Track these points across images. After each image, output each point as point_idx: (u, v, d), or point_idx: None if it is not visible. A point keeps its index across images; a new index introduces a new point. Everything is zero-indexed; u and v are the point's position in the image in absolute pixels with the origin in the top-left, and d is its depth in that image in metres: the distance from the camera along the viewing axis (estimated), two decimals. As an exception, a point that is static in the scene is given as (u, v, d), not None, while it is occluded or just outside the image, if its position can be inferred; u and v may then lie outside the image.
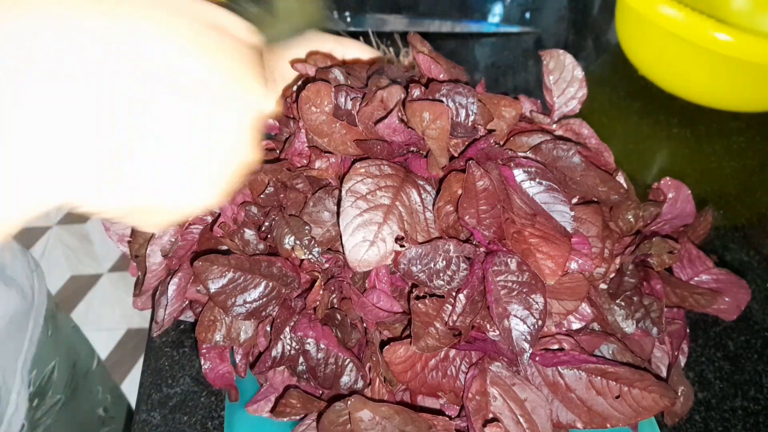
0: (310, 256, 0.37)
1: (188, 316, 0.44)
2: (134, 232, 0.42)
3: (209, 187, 0.24)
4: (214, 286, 0.35)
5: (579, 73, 0.42)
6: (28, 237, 1.65)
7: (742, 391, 0.45)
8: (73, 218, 1.70)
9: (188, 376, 0.44)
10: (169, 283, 0.40)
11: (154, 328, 0.41)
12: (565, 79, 0.41)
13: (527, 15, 0.83)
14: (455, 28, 0.78)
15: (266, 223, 0.39)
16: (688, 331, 0.42)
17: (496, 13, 0.84)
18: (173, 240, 0.40)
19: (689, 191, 0.43)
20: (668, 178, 0.43)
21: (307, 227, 0.37)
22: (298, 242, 0.37)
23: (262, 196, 0.39)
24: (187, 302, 0.42)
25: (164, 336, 0.47)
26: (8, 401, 0.47)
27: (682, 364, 0.41)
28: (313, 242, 0.37)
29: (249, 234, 0.38)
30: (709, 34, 0.56)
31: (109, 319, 1.49)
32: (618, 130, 0.67)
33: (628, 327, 0.37)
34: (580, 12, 0.85)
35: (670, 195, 0.43)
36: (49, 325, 0.55)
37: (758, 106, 0.66)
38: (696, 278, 0.42)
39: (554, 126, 0.41)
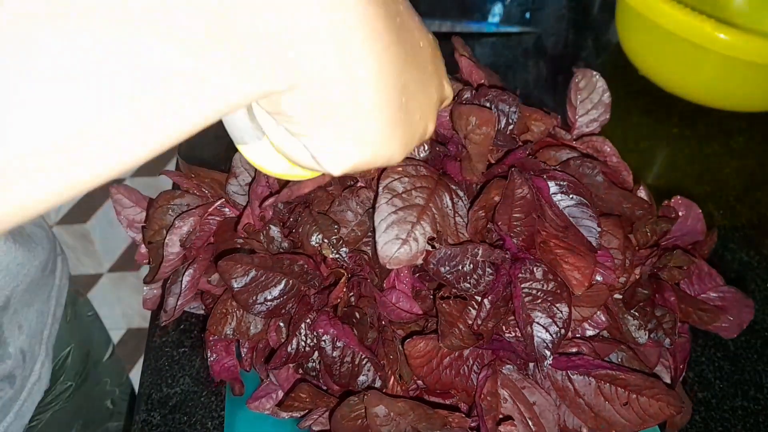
0: (337, 256, 0.37)
1: (192, 307, 0.44)
2: (149, 219, 0.42)
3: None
4: (237, 285, 0.36)
5: (607, 98, 0.42)
6: (27, 237, 1.65)
7: (742, 391, 0.45)
8: (73, 218, 1.70)
9: (188, 376, 0.44)
10: (184, 273, 0.39)
11: (163, 316, 0.40)
12: (592, 101, 0.42)
13: (527, 15, 0.83)
14: (455, 28, 0.78)
15: (291, 219, 0.39)
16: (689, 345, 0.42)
17: (496, 13, 0.84)
18: (192, 230, 0.40)
19: (700, 210, 0.44)
20: (679, 197, 0.44)
21: (335, 226, 0.37)
22: (326, 240, 0.37)
23: None
24: (197, 292, 0.42)
25: (164, 336, 0.47)
26: (32, 370, 0.47)
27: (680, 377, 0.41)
28: (341, 241, 0.37)
29: (274, 231, 0.38)
30: (709, 33, 0.56)
31: (109, 319, 1.49)
32: (618, 130, 0.67)
33: (641, 337, 0.38)
34: (580, 12, 0.85)
35: (681, 213, 0.44)
36: (69, 310, 0.55)
37: (758, 106, 0.66)
38: (703, 294, 0.42)
39: (574, 142, 0.42)
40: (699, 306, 0.40)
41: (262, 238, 0.38)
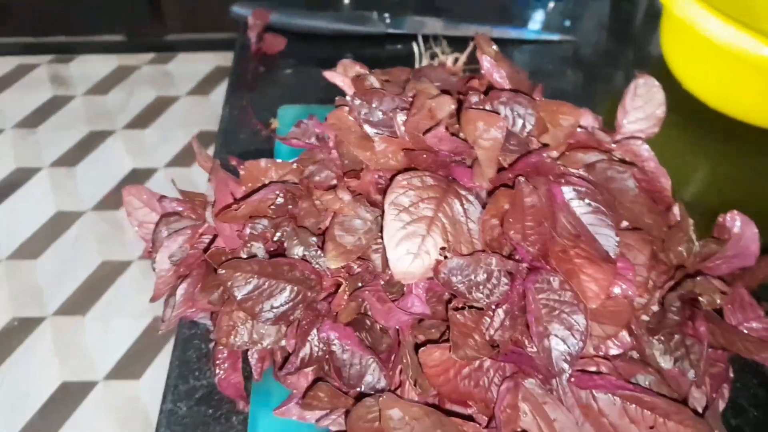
0: (316, 266, 0.38)
1: (200, 317, 0.45)
2: (154, 243, 0.43)
3: None
4: (240, 294, 0.36)
5: (661, 112, 0.41)
6: (62, 221, 1.69)
7: (779, 421, 0.44)
8: (107, 204, 1.74)
9: (216, 370, 0.45)
10: (177, 288, 0.41)
11: (161, 326, 0.42)
12: (645, 111, 0.41)
13: (567, 23, 0.82)
14: (493, 33, 0.77)
15: (277, 234, 0.39)
16: (731, 375, 0.40)
17: (537, 20, 0.83)
18: (183, 248, 0.41)
19: (756, 230, 0.40)
20: (735, 212, 0.41)
21: (312, 239, 0.38)
22: (306, 252, 0.37)
23: (272, 207, 0.39)
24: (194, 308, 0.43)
25: (193, 328, 0.47)
26: None
27: (721, 408, 0.39)
28: (318, 252, 0.37)
29: (257, 247, 0.39)
30: (760, 49, 0.54)
31: (136, 306, 1.52)
32: (658, 145, 0.65)
33: (666, 363, 0.36)
34: (622, 22, 0.83)
35: (735, 230, 0.40)
36: None
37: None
38: (746, 324, 0.40)
39: (614, 145, 0.40)
40: (744, 337, 0.38)
41: (243, 255, 0.38)
